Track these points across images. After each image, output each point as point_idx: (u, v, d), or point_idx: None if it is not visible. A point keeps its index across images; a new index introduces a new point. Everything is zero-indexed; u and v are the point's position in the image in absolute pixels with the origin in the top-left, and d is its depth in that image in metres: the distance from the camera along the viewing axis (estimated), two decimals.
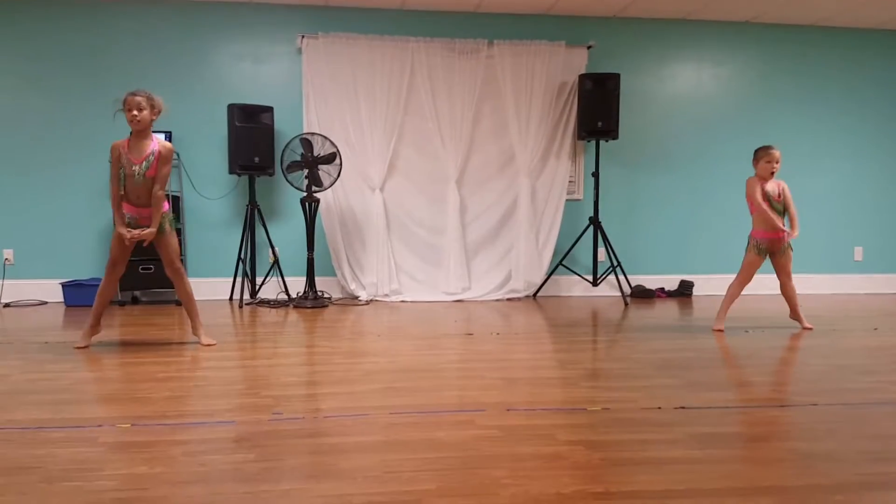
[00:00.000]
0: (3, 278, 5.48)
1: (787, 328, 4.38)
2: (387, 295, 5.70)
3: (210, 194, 5.69)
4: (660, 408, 2.54)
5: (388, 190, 5.78)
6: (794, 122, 6.29)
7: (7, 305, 5.30)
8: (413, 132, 5.81)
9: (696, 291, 6.10)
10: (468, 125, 5.81)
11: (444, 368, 3.23)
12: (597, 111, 5.68)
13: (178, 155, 5.57)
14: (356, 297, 5.69)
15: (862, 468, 1.93)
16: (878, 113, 6.39)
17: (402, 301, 5.67)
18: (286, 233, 5.75)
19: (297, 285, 5.59)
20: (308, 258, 5.43)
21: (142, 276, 5.39)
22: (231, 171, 5.50)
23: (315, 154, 5.33)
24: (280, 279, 5.57)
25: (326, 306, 5.34)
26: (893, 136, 6.40)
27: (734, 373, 3.14)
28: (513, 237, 5.87)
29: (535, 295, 5.93)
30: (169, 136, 5.54)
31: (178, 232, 5.51)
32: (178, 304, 5.44)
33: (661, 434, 2.24)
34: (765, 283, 6.25)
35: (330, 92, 5.69)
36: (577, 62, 5.91)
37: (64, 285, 5.38)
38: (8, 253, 5.52)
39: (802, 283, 6.24)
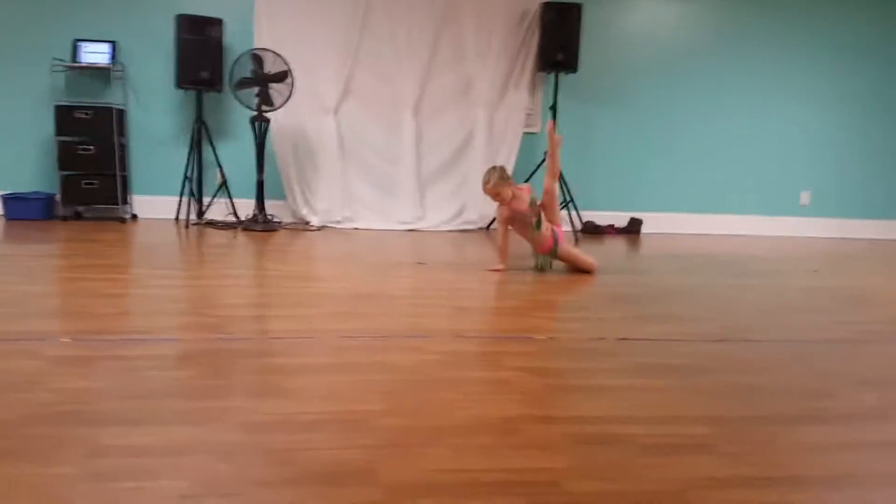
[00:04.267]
0: None
1: (729, 268, 4.51)
2: (339, 222, 5.64)
3: (156, 109, 5.49)
4: (603, 338, 2.59)
5: (342, 114, 5.65)
6: (754, 61, 6.32)
7: None
8: (369, 55, 5.66)
9: (644, 229, 6.21)
10: (426, 51, 5.68)
11: (395, 295, 3.23)
12: (557, 43, 5.61)
13: (122, 67, 5.34)
14: (307, 223, 5.62)
15: (799, 402, 2.01)
16: (840, 59, 6.45)
17: (355, 228, 5.63)
18: (235, 153, 5.60)
19: (245, 208, 5.48)
20: (257, 180, 5.32)
21: (85, 191, 5.23)
22: (178, 86, 5.29)
23: (266, 71, 5.15)
24: (228, 200, 5.46)
25: (276, 230, 5.26)
26: (852, 83, 6.49)
27: (678, 308, 3.22)
28: (468, 168, 5.84)
29: (488, 227, 5.95)
30: (113, 47, 5.28)
31: (122, 147, 5.35)
32: (122, 220, 5.31)
33: (604, 363, 2.29)
34: (724, 223, 6.42)
35: (284, 7, 5.48)
36: None
37: (4, 197, 5.18)
38: None
39: (746, 225, 6.46)
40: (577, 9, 5.61)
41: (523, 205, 3.88)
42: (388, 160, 5.77)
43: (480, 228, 5.93)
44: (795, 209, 6.58)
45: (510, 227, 3.98)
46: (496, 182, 3.83)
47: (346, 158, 5.70)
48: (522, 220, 3.91)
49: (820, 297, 3.65)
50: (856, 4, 6.41)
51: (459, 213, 5.89)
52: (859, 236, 6.60)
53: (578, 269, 3.98)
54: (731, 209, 6.46)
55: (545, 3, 5.68)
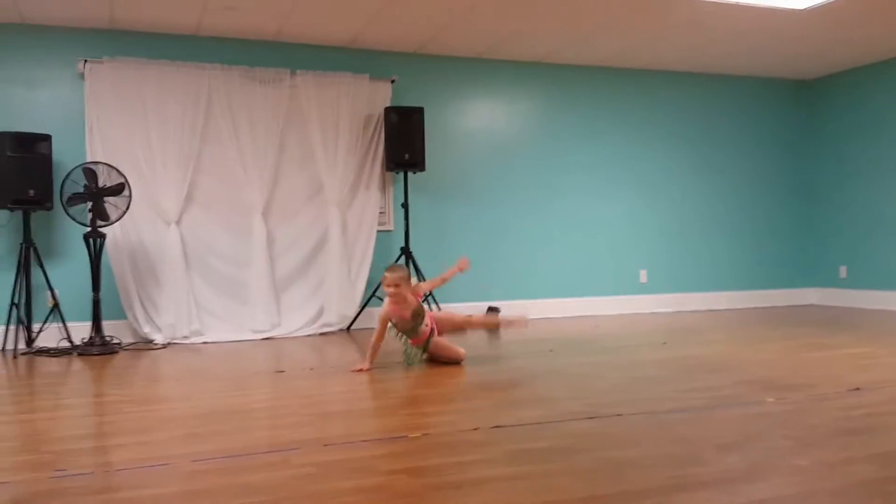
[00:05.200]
0: None
1: (584, 347, 4.66)
2: (186, 337, 5.31)
3: None
4: (477, 428, 2.55)
5: (185, 223, 5.43)
6: (582, 154, 6.78)
7: None
8: (213, 161, 5.54)
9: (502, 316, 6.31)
10: (273, 154, 5.64)
11: (253, 409, 3.05)
12: (403, 143, 5.77)
13: None
14: (151, 341, 5.24)
15: (669, 471, 2.04)
16: (664, 145, 7.06)
17: (205, 343, 5.31)
18: (68, 273, 5.19)
19: (81, 331, 5.04)
20: (94, 299, 4.93)
21: None
22: (2, 206, 4.89)
23: (100, 185, 4.88)
24: (62, 325, 5.00)
25: (116, 352, 4.86)
26: (676, 167, 7.11)
27: (545, 390, 3.26)
28: (324, 269, 5.76)
29: (349, 328, 5.84)
30: None
31: None
32: None
33: (480, 454, 2.24)
34: (573, 306, 6.67)
35: (117, 119, 5.29)
36: (381, 95, 5.98)
37: None
38: None
39: (592, 306, 6.76)
40: (419, 112, 5.83)
41: (407, 312, 3.89)
42: (238, 265, 5.57)
43: (341, 330, 5.80)
44: (636, 287, 6.98)
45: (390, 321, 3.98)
46: (402, 275, 3.88)
47: (191, 268, 5.44)
48: (401, 320, 3.93)
49: (671, 367, 3.83)
50: (677, 98, 7.12)
51: (318, 316, 5.74)
52: (694, 308, 7.09)
53: (446, 361, 3.97)
54: (578, 292, 6.74)
55: (388, 108, 5.86)
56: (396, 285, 3.85)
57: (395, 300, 3.88)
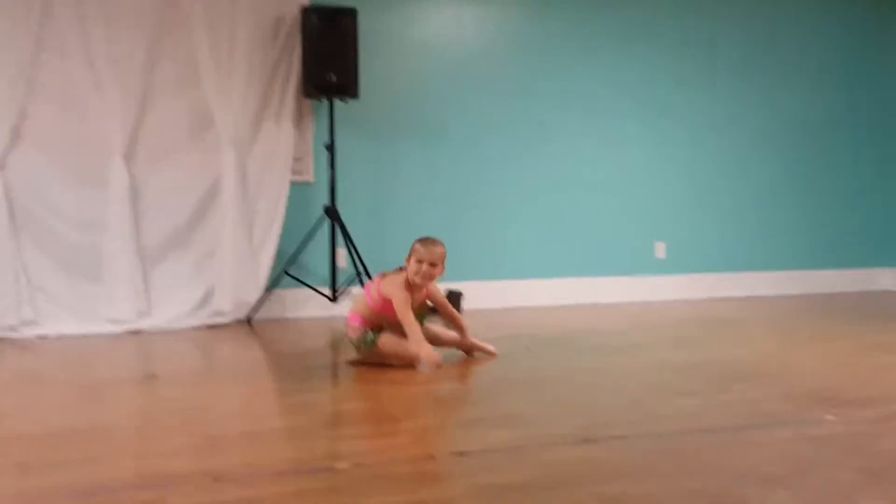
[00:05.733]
0: None
1: (576, 345, 4.71)
2: (13, 328, 5.22)
3: None
4: (432, 456, 2.56)
5: (11, 167, 5.31)
6: (582, 80, 6.82)
7: None
8: (52, 80, 5.40)
9: (466, 304, 6.35)
10: (139, 72, 5.53)
11: (114, 429, 3.01)
12: (327, 60, 5.71)
13: None
14: None
15: None
16: (694, 69, 7.13)
17: (41, 336, 5.22)
18: None
19: None
20: None
21: None
22: None
23: None
24: None
25: None
26: (711, 102, 7.19)
27: (525, 405, 3.27)
28: (214, 236, 5.73)
29: (249, 318, 5.83)
30: None
31: None
32: None
33: (437, 491, 2.26)
34: (566, 290, 6.72)
35: None
36: None
37: None
38: None
39: (590, 289, 6.82)
40: (351, 15, 5.76)
41: (415, 303, 4.14)
42: (89, 228, 5.48)
43: (238, 321, 5.77)
44: (651, 265, 7.09)
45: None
46: (444, 254, 4.12)
47: (19, 232, 5.32)
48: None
49: (696, 373, 3.89)
50: (698, 12, 7.17)
51: (205, 302, 5.71)
52: (728, 294, 7.23)
53: (394, 363, 4.01)
54: (572, 271, 6.82)
55: (307, 9, 5.78)
56: (436, 265, 4.09)
57: (422, 283, 4.09)
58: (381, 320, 4.13)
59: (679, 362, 4.19)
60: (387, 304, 4.07)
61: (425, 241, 4.14)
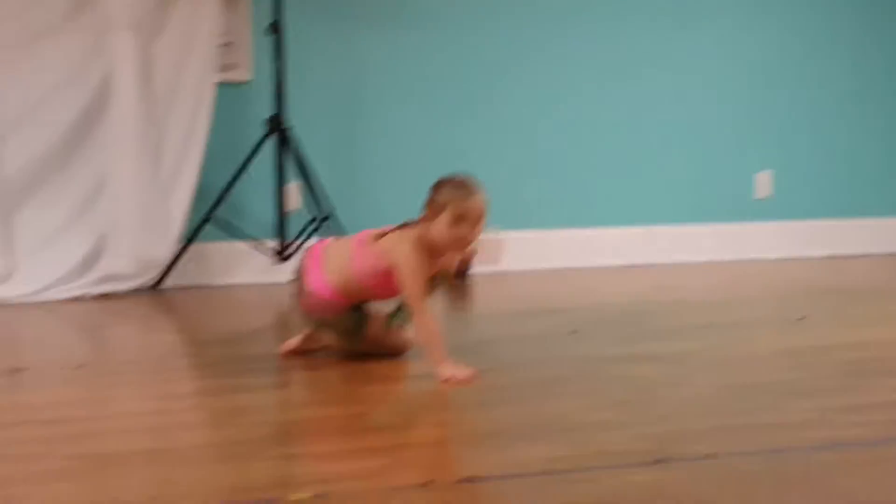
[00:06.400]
0: None
1: (642, 325, 4.70)
2: None
3: None
4: (431, 481, 2.54)
5: None
6: None
7: None
8: None
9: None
10: None
11: None
12: None
13: None
14: None
15: None
16: None
17: None
18: None
19: None
20: None
21: None
22: None
23: None
24: None
25: None
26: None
27: (567, 408, 3.26)
28: (103, 162, 5.73)
29: (157, 284, 5.85)
30: None
31: None
32: None
33: None
34: (625, 242, 6.71)
35: None
36: None
37: None
38: None
39: (661, 244, 6.80)
40: None
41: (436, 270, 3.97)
42: None
43: (140, 290, 5.78)
44: (748, 208, 7.11)
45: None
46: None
47: None
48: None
49: (816, 364, 3.87)
50: None
51: (91, 261, 5.72)
52: (859, 251, 7.24)
53: (380, 352, 4.06)
54: (635, 218, 6.86)
55: None
56: (481, 222, 3.82)
57: (455, 252, 3.94)
58: (366, 296, 4.01)
59: (790, 348, 4.18)
60: (383, 275, 3.88)
61: (462, 184, 3.86)
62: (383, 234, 3.87)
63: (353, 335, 3.98)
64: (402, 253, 3.74)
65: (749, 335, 4.46)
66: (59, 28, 5.69)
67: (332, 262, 3.94)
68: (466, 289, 5.27)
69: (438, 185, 3.79)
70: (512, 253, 6.44)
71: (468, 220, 3.71)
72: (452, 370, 3.63)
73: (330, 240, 4.22)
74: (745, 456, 2.75)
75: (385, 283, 3.82)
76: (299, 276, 4.01)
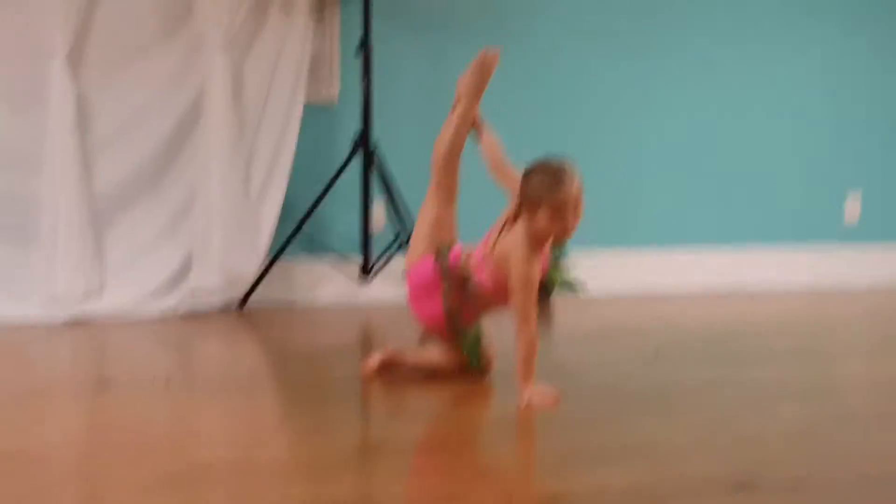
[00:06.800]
0: None
1: (729, 349, 4.66)
2: None
3: None
4: (510, 500, 2.54)
5: None
6: None
7: None
8: None
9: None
10: None
11: (52, 454, 3.04)
12: None
13: None
14: None
15: None
16: None
17: None
18: None
19: None
20: None
21: None
22: None
23: None
24: None
25: None
26: None
27: (646, 433, 3.25)
28: (194, 179, 5.78)
29: (243, 302, 5.88)
30: None
31: None
32: None
33: None
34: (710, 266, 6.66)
35: None
36: None
37: None
38: None
39: (747, 266, 6.74)
40: None
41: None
42: (16, 167, 5.57)
43: (226, 308, 5.83)
44: (837, 231, 7.03)
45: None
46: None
47: None
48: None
49: None
50: None
51: (179, 277, 5.76)
52: None
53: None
54: (720, 237, 6.81)
55: None
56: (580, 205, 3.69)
57: (566, 238, 3.80)
58: (492, 309, 3.93)
59: (885, 377, 4.13)
60: (504, 285, 3.76)
61: (551, 171, 3.68)
62: (495, 242, 3.81)
63: (476, 350, 3.97)
64: (518, 260, 3.66)
65: (835, 361, 4.43)
66: (153, 46, 5.75)
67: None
68: (548, 310, 5.24)
69: (527, 177, 3.68)
70: (595, 274, 6.42)
71: (566, 210, 3.61)
72: (537, 394, 3.58)
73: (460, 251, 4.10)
74: (833, 483, 2.73)
75: (494, 294, 3.81)
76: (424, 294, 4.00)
